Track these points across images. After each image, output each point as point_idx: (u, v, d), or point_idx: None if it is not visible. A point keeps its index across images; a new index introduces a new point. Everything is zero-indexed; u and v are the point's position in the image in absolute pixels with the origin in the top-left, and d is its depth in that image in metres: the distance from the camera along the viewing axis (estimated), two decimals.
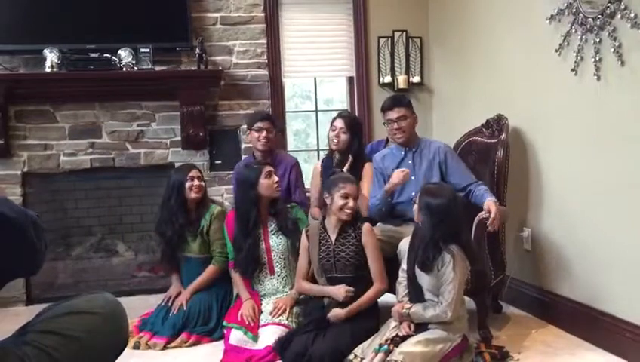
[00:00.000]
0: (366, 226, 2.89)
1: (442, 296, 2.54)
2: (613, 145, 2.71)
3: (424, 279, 2.62)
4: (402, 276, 2.77)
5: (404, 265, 2.76)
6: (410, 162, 3.19)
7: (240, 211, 3.13)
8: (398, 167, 3.18)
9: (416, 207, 2.67)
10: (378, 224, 3.25)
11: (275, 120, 3.75)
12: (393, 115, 3.19)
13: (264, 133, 3.48)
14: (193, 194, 3.28)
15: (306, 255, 3.00)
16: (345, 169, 3.35)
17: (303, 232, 3.03)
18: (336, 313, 2.76)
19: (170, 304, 3.28)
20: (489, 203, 2.88)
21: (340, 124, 3.45)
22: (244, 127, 4.01)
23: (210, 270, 3.29)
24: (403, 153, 3.23)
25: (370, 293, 2.83)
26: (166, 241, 3.32)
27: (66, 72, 3.91)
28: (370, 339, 2.64)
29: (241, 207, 3.13)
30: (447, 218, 2.57)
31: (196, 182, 3.29)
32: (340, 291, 2.80)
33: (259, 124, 3.48)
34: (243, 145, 4.26)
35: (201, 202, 3.34)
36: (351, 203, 2.85)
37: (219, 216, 3.32)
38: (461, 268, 2.54)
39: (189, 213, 3.32)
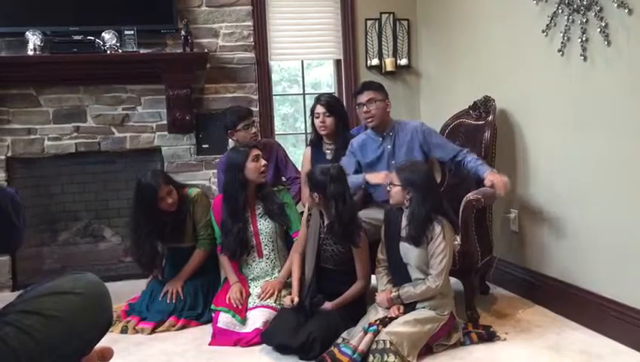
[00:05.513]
0: (361, 235, 2.86)
1: (432, 268, 2.60)
2: (600, 126, 2.72)
3: (412, 256, 2.65)
4: (382, 265, 2.83)
5: (381, 255, 2.83)
6: (389, 147, 3.20)
7: (228, 195, 3.11)
8: (380, 156, 3.20)
9: (397, 188, 2.68)
10: (362, 210, 3.24)
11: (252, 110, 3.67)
12: (363, 98, 3.21)
13: (253, 130, 3.46)
14: (170, 209, 3.19)
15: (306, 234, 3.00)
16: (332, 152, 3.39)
17: (304, 217, 3.03)
18: (324, 306, 2.79)
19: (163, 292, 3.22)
20: (490, 175, 2.92)
21: (321, 109, 3.42)
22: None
23: (197, 254, 3.28)
24: (381, 139, 3.22)
25: (353, 290, 2.85)
26: (144, 259, 3.23)
27: (49, 55, 3.85)
28: (359, 325, 2.65)
29: (229, 191, 3.11)
30: (432, 189, 2.68)
31: (167, 200, 3.15)
32: (287, 301, 2.87)
33: (245, 122, 3.43)
34: None
35: (178, 203, 3.23)
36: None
37: (199, 198, 3.28)
38: (450, 238, 2.63)
39: (167, 215, 3.21)
